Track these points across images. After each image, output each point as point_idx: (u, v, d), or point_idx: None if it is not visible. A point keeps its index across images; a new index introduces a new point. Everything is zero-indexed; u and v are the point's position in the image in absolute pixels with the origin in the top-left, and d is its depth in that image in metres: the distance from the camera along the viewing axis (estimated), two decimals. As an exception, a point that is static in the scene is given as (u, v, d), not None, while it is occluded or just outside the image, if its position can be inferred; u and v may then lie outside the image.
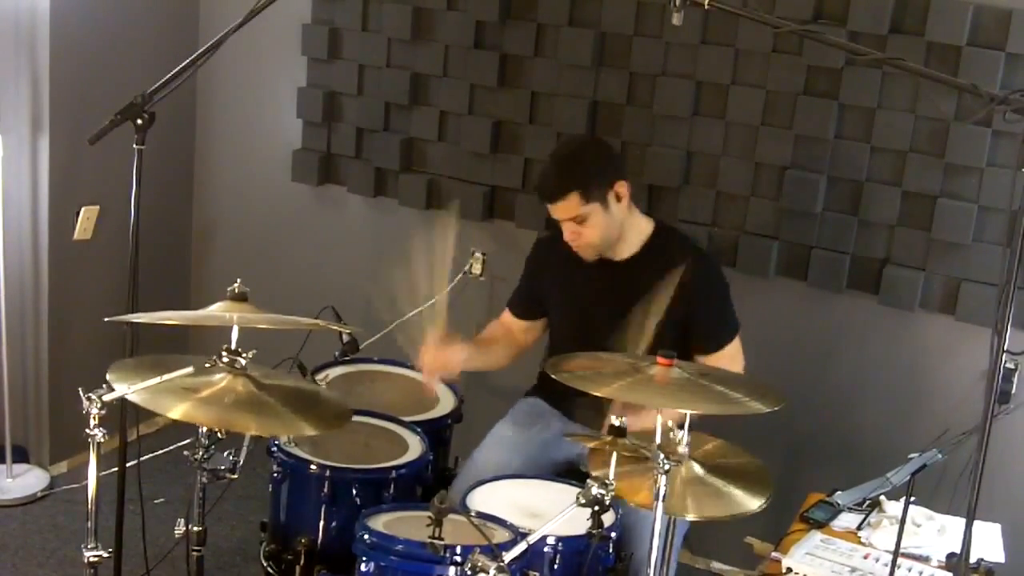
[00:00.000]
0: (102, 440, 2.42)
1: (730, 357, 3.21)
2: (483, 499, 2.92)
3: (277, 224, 4.61)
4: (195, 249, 4.80)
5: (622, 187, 3.15)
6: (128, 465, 3.33)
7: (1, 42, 3.90)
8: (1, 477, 4.12)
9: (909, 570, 2.86)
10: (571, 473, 3.21)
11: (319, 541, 2.97)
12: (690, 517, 2.50)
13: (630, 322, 3.11)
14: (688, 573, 3.91)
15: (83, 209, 4.16)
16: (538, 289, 3.44)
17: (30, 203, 4.06)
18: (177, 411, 2.39)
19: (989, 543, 3.01)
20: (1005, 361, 3.24)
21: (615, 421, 2.53)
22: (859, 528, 3.05)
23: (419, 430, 3.24)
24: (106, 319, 2.78)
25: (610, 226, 3.16)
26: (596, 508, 2.41)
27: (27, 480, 4.17)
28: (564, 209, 3.12)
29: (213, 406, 2.44)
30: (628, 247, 3.23)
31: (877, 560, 2.89)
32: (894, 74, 3.50)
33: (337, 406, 2.71)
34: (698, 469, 2.54)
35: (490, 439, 3.33)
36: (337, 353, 3.48)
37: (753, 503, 2.50)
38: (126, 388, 2.41)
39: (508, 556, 2.29)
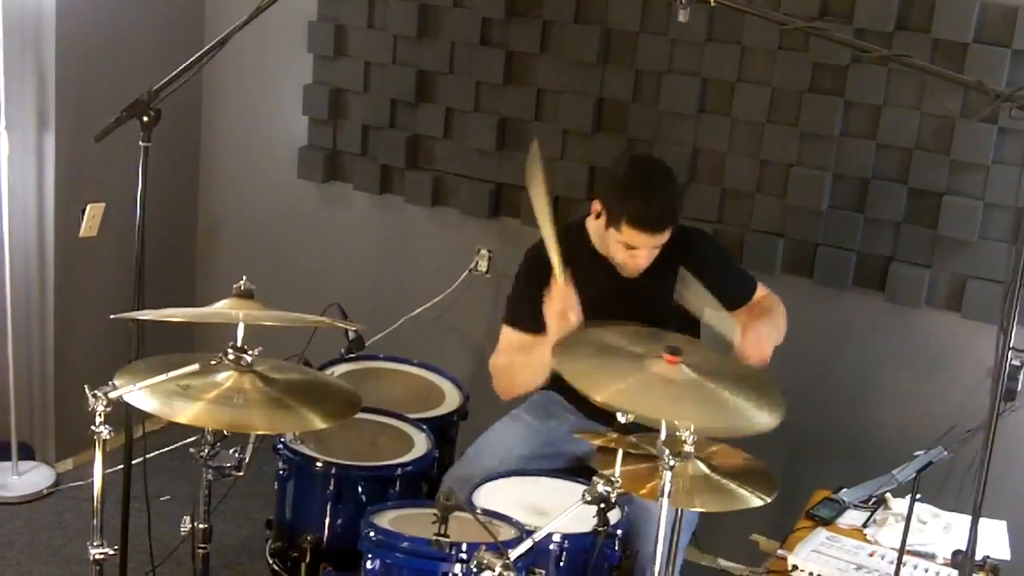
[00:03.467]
0: (107, 437, 2.41)
1: (762, 296, 3.30)
2: (489, 496, 2.93)
3: (283, 221, 4.61)
4: (200, 246, 4.80)
5: None
6: (134, 462, 3.34)
7: (7, 39, 3.90)
8: (7, 474, 4.13)
9: (915, 567, 2.86)
10: (583, 470, 3.19)
11: (325, 538, 2.98)
12: (696, 508, 2.50)
13: (649, 315, 3.13)
14: (694, 570, 3.90)
15: (89, 206, 4.16)
16: (542, 295, 3.23)
17: (36, 200, 4.06)
18: (186, 415, 2.39)
19: (995, 540, 3.01)
20: (1011, 358, 3.25)
21: (621, 418, 2.54)
22: (865, 525, 3.05)
23: (425, 427, 3.24)
24: (112, 316, 2.78)
25: None
26: (602, 505, 2.42)
27: (33, 477, 4.17)
28: (660, 239, 3.04)
29: (222, 408, 2.43)
30: None
31: (883, 557, 2.89)
32: (900, 71, 3.49)
33: (347, 394, 2.70)
34: (704, 468, 2.54)
35: (503, 424, 3.31)
36: (343, 350, 3.48)
37: (758, 502, 2.50)
38: (131, 385, 2.41)
39: (514, 553, 2.28)
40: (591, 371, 2.60)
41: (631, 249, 3.06)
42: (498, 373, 3.20)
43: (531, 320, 3.10)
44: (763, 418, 2.46)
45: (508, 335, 3.23)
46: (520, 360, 3.13)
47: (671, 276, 3.15)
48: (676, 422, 2.43)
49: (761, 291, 3.32)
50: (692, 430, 2.46)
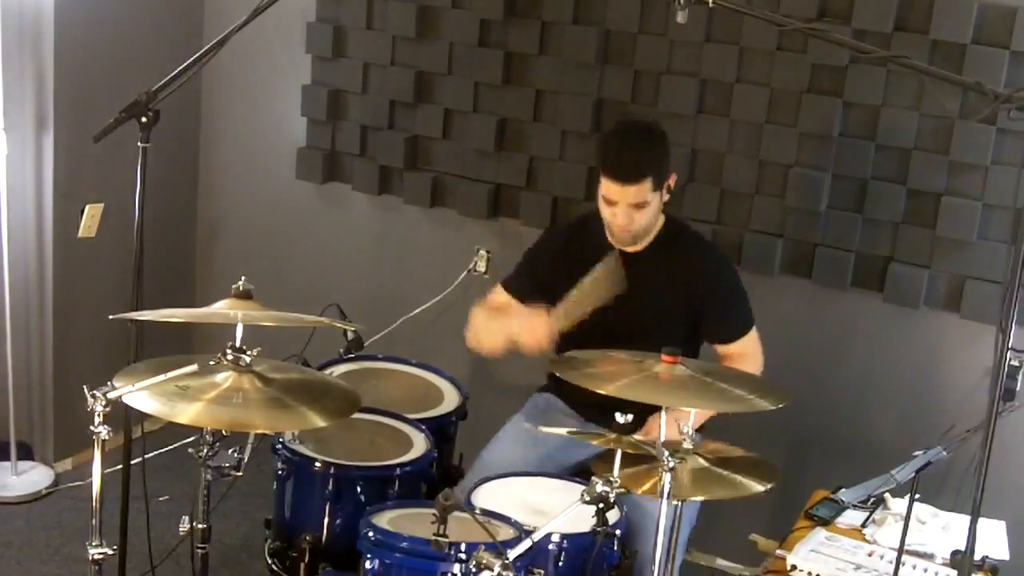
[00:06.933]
0: (106, 437, 2.41)
1: (746, 352, 3.23)
2: (488, 496, 2.92)
3: (281, 222, 4.61)
4: (199, 247, 4.80)
5: (673, 179, 3.16)
6: (132, 462, 3.34)
7: (6, 39, 3.90)
8: (6, 474, 4.13)
9: (913, 567, 2.86)
10: (585, 474, 3.18)
11: (323, 538, 2.98)
12: (697, 498, 2.51)
13: (643, 315, 3.13)
14: (693, 570, 3.90)
15: (87, 207, 4.16)
16: (545, 277, 3.30)
17: (35, 201, 4.06)
18: (185, 415, 2.38)
19: (993, 540, 3.01)
20: (1010, 358, 3.25)
21: (619, 419, 2.54)
22: (864, 525, 3.05)
23: (424, 427, 3.24)
24: (110, 316, 2.78)
25: (656, 216, 3.15)
26: (601, 505, 2.42)
27: (32, 477, 4.17)
28: (634, 193, 3.04)
29: (222, 407, 2.42)
30: (645, 239, 3.23)
31: (882, 557, 2.89)
32: (899, 72, 3.49)
33: (346, 394, 2.69)
34: (704, 463, 2.55)
35: (506, 433, 3.31)
36: (341, 350, 3.48)
37: (759, 487, 2.51)
38: (130, 385, 2.41)
39: (513, 553, 2.29)
40: (593, 373, 2.61)
41: (611, 206, 3.09)
42: (473, 322, 3.32)
43: (520, 290, 3.35)
44: (767, 403, 2.47)
45: (498, 293, 3.44)
46: (492, 324, 3.25)
47: (671, 279, 3.16)
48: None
49: (747, 343, 3.24)
50: (691, 423, 2.50)
